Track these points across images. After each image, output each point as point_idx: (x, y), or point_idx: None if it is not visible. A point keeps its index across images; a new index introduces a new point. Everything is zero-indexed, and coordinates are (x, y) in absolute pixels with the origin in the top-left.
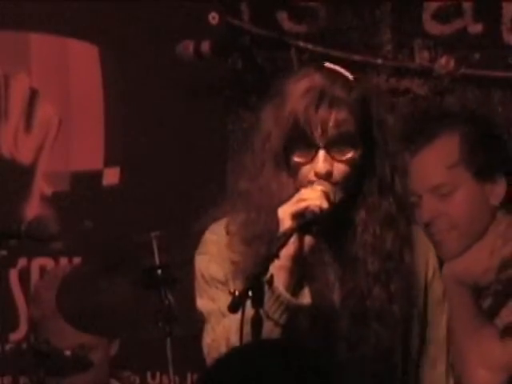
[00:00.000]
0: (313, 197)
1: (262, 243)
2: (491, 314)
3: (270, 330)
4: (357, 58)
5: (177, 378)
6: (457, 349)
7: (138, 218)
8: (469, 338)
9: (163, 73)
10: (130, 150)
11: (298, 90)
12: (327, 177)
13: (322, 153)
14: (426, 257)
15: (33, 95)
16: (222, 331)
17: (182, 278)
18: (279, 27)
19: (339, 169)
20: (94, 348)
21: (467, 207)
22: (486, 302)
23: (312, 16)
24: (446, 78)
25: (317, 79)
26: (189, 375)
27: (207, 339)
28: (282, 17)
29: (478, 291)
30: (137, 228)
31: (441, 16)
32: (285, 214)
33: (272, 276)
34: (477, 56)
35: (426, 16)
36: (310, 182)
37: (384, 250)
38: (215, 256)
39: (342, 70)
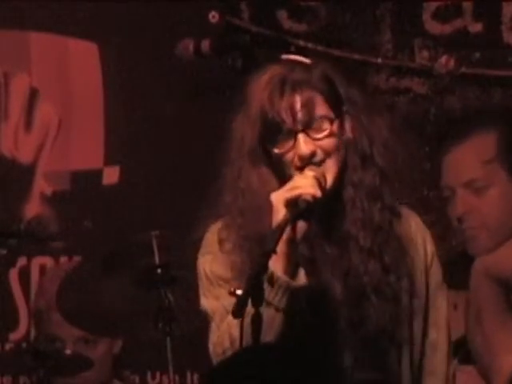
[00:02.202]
0: (306, 185)
1: (254, 244)
2: None
3: (271, 317)
4: (357, 57)
5: (177, 378)
6: (485, 339)
7: (137, 217)
8: (498, 329)
9: (163, 72)
10: (129, 150)
11: (260, 85)
12: (312, 157)
13: (301, 136)
14: (423, 242)
15: (33, 94)
16: (226, 327)
17: (181, 277)
18: (279, 26)
19: (322, 146)
20: (97, 342)
21: (500, 204)
22: None
23: (312, 15)
24: (446, 78)
25: (275, 70)
26: (188, 374)
27: (213, 338)
28: (282, 16)
29: (508, 287)
30: (137, 227)
31: (441, 15)
32: (278, 200)
33: (272, 274)
34: (477, 55)
35: (426, 15)
36: (298, 169)
37: (373, 223)
38: (218, 255)
39: (300, 58)
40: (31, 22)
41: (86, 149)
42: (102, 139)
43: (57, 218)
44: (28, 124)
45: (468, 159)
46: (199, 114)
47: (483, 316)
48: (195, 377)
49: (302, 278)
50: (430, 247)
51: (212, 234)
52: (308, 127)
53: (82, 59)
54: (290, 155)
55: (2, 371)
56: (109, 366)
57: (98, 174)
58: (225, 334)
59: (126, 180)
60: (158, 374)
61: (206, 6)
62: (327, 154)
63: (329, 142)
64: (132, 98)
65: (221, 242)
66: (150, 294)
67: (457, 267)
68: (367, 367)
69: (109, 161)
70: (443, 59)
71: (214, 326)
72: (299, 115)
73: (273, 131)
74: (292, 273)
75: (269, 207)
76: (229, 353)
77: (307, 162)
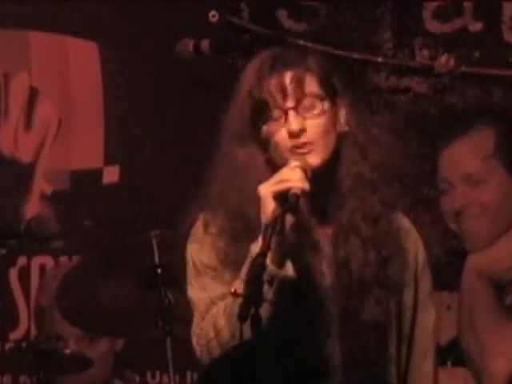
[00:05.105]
0: (294, 178)
1: (239, 226)
2: None
3: None
4: (357, 56)
5: (177, 377)
6: (477, 341)
7: (137, 217)
8: (491, 331)
9: (163, 71)
10: (129, 149)
11: (249, 70)
12: (301, 134)
13: (291, 112)
14: (415, 249)
15: (33, 94)
16: (210, 318)
17: (181, 277)
18: (279, 26)
19: (312, 125)
20: (100, 340)
21: (499, 196)
22: (509, 298)
23: (312, 14)
24: (447, 77)
25: (268, 54)
26: (188, 374)
27: (196, 329)
28: (282, 15)
29: (500, 286)
30: (137, 227)
31: (441, 14)
32: (266, 193)
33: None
34: (477, 54)
35: (427, 14)
36: (289, 150)
37: (373, 215)
38: (206, 243)
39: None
40: (31, 21)
41: (86, 148)
42: (102, 139)
43: (57, 218)
44: (28, 123)
45: (467, 154)
46: (199, 112)
47: (475, 316)
48: (195, 376)
49: (289, 268)
50: (422, 255)
51: (199, 222)
52: (298, 105)
53: (82, 58)
54: (279, 136)
55: (2, 371)
56: (110, 364)
57: (97, 174)
58: (209, 325)
59: (126, 180)
60: (157, 374)
61: (205, 5)
62: (316, 134)
63: (319, 123)
64: (132, 98)
65: (206, 225)
66: (150, 293)
67: (452, 268)
68: (354, 359)
69: (109, 160)
70: (443, 58)
71: (197, 316)
72: (289, 90)
73: (262, 110)
74: (279, 264)
75: (254, 188)
76: (213, 343)
77: (297, 138)
